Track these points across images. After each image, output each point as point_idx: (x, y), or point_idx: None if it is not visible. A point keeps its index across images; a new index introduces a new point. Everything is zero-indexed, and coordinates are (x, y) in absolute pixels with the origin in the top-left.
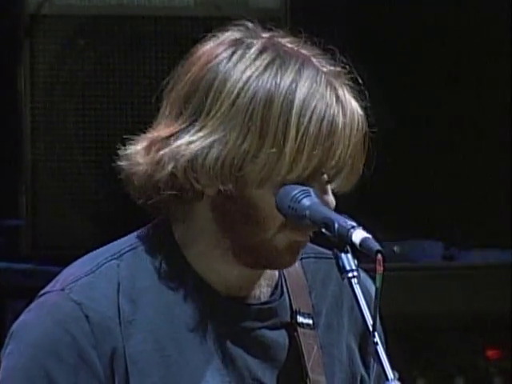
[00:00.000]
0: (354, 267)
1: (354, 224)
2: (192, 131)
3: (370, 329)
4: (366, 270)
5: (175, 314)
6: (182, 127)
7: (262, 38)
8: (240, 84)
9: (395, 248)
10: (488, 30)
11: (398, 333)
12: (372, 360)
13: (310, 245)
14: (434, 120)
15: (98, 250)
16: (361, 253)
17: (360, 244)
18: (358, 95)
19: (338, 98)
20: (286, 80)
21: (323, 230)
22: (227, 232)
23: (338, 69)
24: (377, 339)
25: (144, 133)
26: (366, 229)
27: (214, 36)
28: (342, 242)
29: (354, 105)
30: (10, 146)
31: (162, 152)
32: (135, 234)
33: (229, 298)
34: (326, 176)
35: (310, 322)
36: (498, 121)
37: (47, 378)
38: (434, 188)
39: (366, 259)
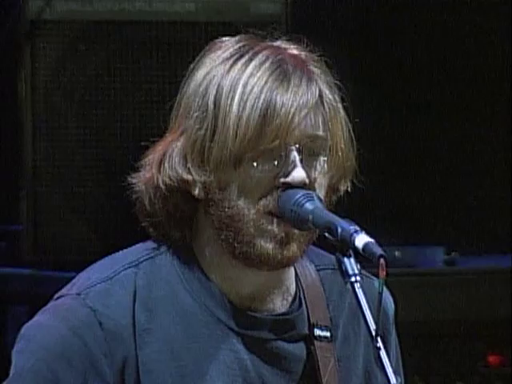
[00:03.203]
0: (356, 271)
1: (357, 228)
2: (170, 134)
3: (373, 333)
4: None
5: (191, 323)
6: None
7: (245, 37)
8: (199, 79)
9: (396, 253)
10: (488, 30)
11: (398, 338)
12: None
13: (327, 256)
14: (434, 124)
15: (115, 255)
16: (363, 257)
17: (363, 248)
18: (332, 83)
19: (283, 73)
20: (240, 62)
21: (326, 235)
22: (220, 227)
23: (307, 53)
24: (379, 344)
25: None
26: (368, 233)
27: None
28: (345, 246)
29: (306, 84)
30: (10, 150)
31: (148, 159)
32: (152, 240)
33: (243, 309)
34: (295, 152)
35: (328, 334)
36: (498, 124)
37: (56, 381)
38: (435, 194)
39: (369, 264)
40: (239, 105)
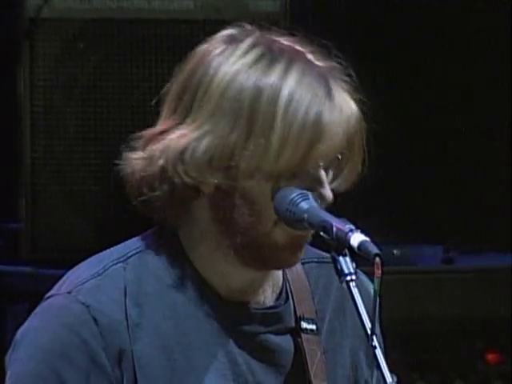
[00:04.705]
0: (352, 271)
1: (352, 227)
2: (183, 125)
3: (369, 332)
4: (364, 273)
5: (181, 318)
6: (175, 123)
7: (255, 34)
8: (228, 77)
9: (394, 251)
10: (488, 30)
11: (397, 336)
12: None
13: (311, 249)
14: (435, 123)
15: (102, 253)
16: (359, 256)
17: (358, 247)
18: (354, 91)
19: (328, 91)
20: (275, 73)
21: (321, 234)
22: (226, 229)
23: (334, 64)
24: (375, 343)
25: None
26: (364, 232)
27: (210, 38)
28: (341, 245)
29: (346, 100)
30: (9, 148)
31: (153, 147)
32: (140, 237)
33: (233, 303)
34: (322, 170)
35: (314, 327)
36: (498, 122)
37: (60, 381)
38: (433, 191)
39: (365, 262)
40: (284, 120)
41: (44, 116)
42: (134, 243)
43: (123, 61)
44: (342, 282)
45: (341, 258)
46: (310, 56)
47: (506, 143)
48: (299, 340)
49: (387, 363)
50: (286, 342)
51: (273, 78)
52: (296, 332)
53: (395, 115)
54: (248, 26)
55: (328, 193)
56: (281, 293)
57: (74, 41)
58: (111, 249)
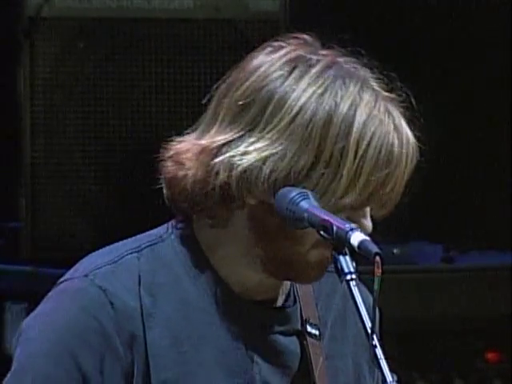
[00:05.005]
0: (352, 269)
1: (352, 226)
2: (247, 142)
3: (369, 331)
4: (364, 273)
5: (192, 311)
6: (236, 136)
7: (323, 55)
8: (301, 102)
9: (395, 250)
10: (488, 29)
11: (397, 335)
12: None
13: None
14: (434, 122)
15: (115, 244)
16: (359, 255)
17: (358, 246)
18: (411, 122)
19: (395, 125)
20: (347, 101)
21: (321, 233)
22: (262, 242)
23: (393, 95)
24: (375, 342)
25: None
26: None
27: (269, 46)
28: (341, 244)
29: (409, 134)
30: (9, 148)
31: (215, 160)
32: (154, 231)
33: (246, 300)
34: (378, 203)
35: (317, 332)
36: (499, 123)
37: (75, 363)
38: (433, 190)
39: (365, 261)
40: (357, 153)
41: (44, 115)
42: (147, 236)
43: (123, 60)
44: (342, 281)
45: (341, 257)
46: (374, 84)
47: (506, 143)
48: (305, 343)
49: (402, 364)
50: (292, 343)
51: (345, 108)
52: (302, 335)
53: None
54: (308, 39)
55: (369, 224)
56: (289, 294)
57: (73, 40)
58: (123, 241)
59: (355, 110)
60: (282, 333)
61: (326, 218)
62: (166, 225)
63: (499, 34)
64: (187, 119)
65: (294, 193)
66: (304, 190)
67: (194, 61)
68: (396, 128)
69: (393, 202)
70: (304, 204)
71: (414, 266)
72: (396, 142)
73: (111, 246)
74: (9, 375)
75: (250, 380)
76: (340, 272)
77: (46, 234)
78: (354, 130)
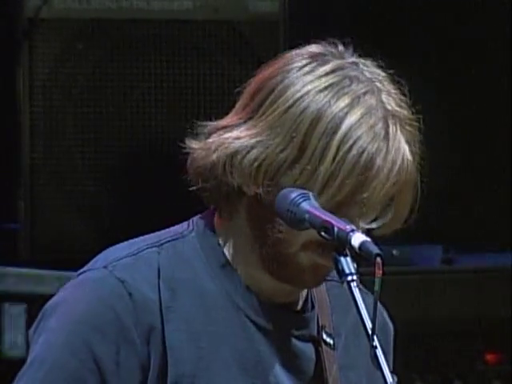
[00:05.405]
0: (353, 271)
1: (353, 227)
2: (243, 127)
3: (369, 332)
4: (365, 274)
5: (211, 308)
6: (237, 122)
7: (343, 59)
8: (297, 95)
9: (394, 252)
10: (488, 30)
11: (396, 336)
12: None
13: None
14: (434, 122)
15: (134, 239)
16: (360, 256)
17: (359, 247)
18: (416, 144)
19: (386, 135)
20: (341, 103)
21: (322, 234)
22: (258, 236)
23: (406, 112)
24: (376, 343)
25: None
26: (364, 232)
27: (307, 45)
28: (342, 245)
29: (402, 147)
30: (8, 149)
31: (211, 139)
32: (175, 227)
33: (264, 301)
34: (357, 210)
35: (331, 341)
36: (499, 123)
37: (91, 353)
38: (432, 191)
39: (366, 263)
40: (337, 154)
41: (43, 116)
42: (168, 232)
43: (122, 61)
44: (342, 283)
45: (342, 258)
46: (383, 96)
47: (506, 143)
48: (320, 349)
49: (402, 366)
50: (308, 349)
51: (337, 108)
52: (318, 341)
53: None
54: (340, 46)
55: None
56: (307, 300)
57: (73, 41)
58: (142, 237)
59: (347, 112)
60: (298, 337)
61: (327, 219)
62: (188, 221)
63: (499, 34)
64: (186, 120)
65: (294, 194)
66: (305, 191)
67: (193, 62)
68: (386, 138)
69: (394, 222)
70: (305, 205)
71: (413, 268)
72: (381, 150)
73: (130, 241)
74: (26, 364)
75: (265, 381)
76: (341, 273)
77: (44, 236)
78: (340, 131)
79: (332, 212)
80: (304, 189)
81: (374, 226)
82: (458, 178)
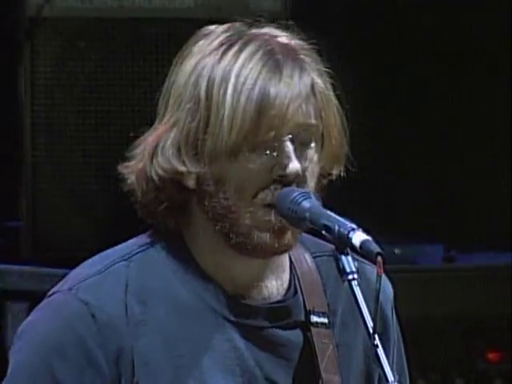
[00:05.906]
0: (354, 269)
1: (354, 226)
2: (159, 126)
3: (370, 331)
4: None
5: (185, 314)
6: (155, 126)
7: (243, 29)
8: (189, 68)
9: (396, 250)
10: (488, 29)
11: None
12: (390, 358)
13: (322, 243)
14: (435, 122)
15: (107, 251)
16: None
17: (360, 246)
18: (323, 71)
19: (276, 66)
20: (229, 56)
21: (323, 232)
22: (213, 219)
23: (299, 42)
24: (377, 341)
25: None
26: (365, 231)
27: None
28: (343, 244)
29: (296, 75)
30: (10, 147)
31: (136, 151)
32: (145, 235)
33: (238, 298)
34: (289, 143)
35: (326, 320)
36: (498, 122)
37: (50, 375)
38: (434, 190)
39: (367, 261)
40: (233, 96)
41: (45, 115)
42: (139, 241)
43: (124, 60)
44: (344, 281)
45: (343, 257)
46: (274, 33)
47: (506, 143)
48: (309, 334)
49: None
50: (295, 336)
51: (227, 59)
52: (306, 326)
53: (396, 115)
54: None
55: (294, 165)
56: (289, 287)
57: (74, 40)
58: (116, 247)
59: (235, 61)
60: (281, 327)
61: (328, 218)
62: (153, 229)
63: (499, 34)
64: None
65: (295, 193)
66: (306, 190)
67: None
68: (277, 69)
69: (332, 148)
70: (306, 204)
71: (414, 266)
72: (272, 80)
73: (102, 254)
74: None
75: (252, 377)
76: (342, 272)
77: (46, 234)
78: (231, 77)
79: (257, 147)
80: (218, 142)
81: (311, 153)
82: (459, 177)
